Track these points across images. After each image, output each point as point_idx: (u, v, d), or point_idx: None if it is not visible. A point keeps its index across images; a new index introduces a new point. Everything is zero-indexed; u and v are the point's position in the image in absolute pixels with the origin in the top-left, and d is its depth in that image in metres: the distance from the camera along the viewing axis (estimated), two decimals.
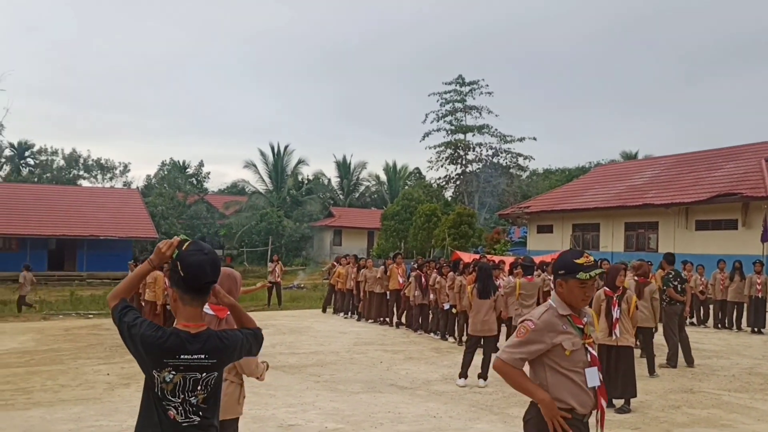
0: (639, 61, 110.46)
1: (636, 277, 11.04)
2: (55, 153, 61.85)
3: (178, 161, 59.38)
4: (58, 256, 36.03)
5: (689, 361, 11.62)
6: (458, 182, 52.69)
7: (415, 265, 16.51)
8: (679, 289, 11.86)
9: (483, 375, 9.91)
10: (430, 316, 15.50)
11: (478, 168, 51.69)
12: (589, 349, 3.63)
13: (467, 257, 19.94)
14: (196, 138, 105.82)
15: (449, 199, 50.97)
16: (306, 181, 56.45)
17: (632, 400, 8.66)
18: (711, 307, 18.03)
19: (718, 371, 11.34)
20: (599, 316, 8.83)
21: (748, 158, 29.16)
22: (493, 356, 3.85)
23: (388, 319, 17.29)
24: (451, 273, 14.28)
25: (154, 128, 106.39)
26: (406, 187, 56.31)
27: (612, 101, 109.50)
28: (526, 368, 3.66)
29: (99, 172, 63.26)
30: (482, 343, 10.17)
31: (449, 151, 51.71)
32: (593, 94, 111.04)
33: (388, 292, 17.17)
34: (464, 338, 12.34)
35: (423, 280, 15.43)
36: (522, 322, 3.63)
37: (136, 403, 8.66)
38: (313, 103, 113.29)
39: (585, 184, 37.80)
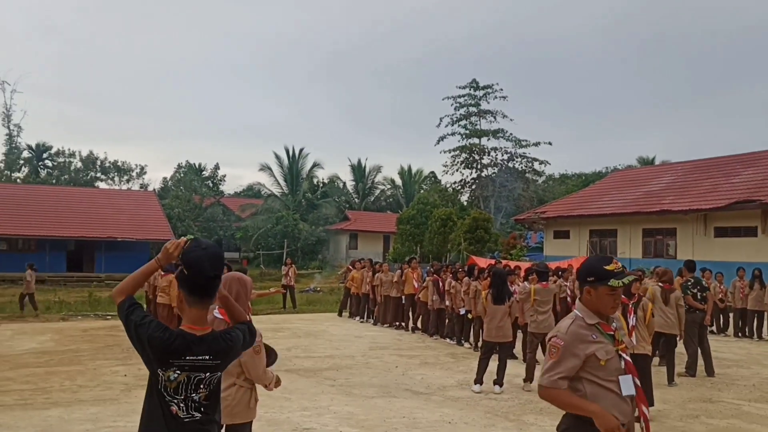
0: (658, 66, 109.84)
1: (661, 284, 10.99)
2: (72, 155, 62.38)
3: (195, 164, 59.66)
4: (76, 257, 36.33)
5: (709, 371, 11.51)
6: (474, 187, 52.55)
7: (431, 270, 16.48)
8: (699, 297, 11.76)
9: (498, 381, 9.88)
10: (446, 321, 15.47)
11: (494, 172, 51.54)
12: (623, 355, 3.52)
13: (483, 262, 19.89)
14: (212, 141, 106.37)
15: (465, 203, 50.85)
16: (321, 185, 56.53)
17: (650, 408, 8.57)
18: (731, 315, 17.86)
19: (737, 381, 11.23)
20: None
21: (767, 165, 28.90)
22: (535, 384, 3.65)
23: (403, 324, 17.28)
24: (466, 278, 14.26)
25: (170, 131, 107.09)
26: (422, 191, 56.27)
27: (629, 106, 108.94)
28: None
29: (116, 174, 63.71)
30: (497, 349, 10.15)
31: (464, 155, 51.58)
32: (611, 99, 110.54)
33: (403, 297, 17.16)
34: (480, 344, 12.30)
35: (441, 284, 15.40)
36: (550, 340, 3.51)
37: None
38: (328, 106, 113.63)
39: (602, 189, 37.59)
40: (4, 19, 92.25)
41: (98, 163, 63.01)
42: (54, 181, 56.49)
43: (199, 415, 3.10)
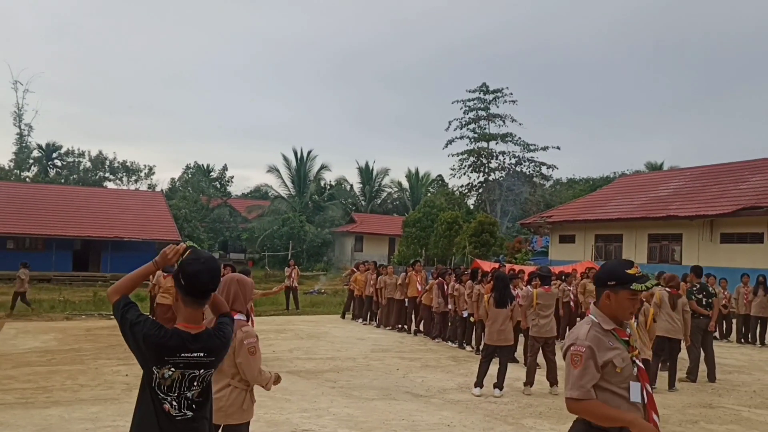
0: (667, 70, 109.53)
1: (668, 289, 11.01)
2: (81, 155, 62.69)
3: (203, 165, 59.87)
4: (83, 256, 36.46)
5: (711, 377, 11.48)
6: (481, 190, 52.60)
7: (435, 273, 16.47)
8: (704, 303, 11.72)
9: (499, 384, 9.88)
10: (449, 324, 15.47)
11: (501, 176, 51.57)
12: (636, 361, 3.46)
13: (487, 266, 19.88)
14: (220, 142, 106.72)
15: (471, 207, 50.85)
16: (328, 187, 56.60)
17: None
18: (734, 321, 17.81)
19: (739, 387, 11.19)
20: None
21: None
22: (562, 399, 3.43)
23: (406, 326, 17.29)
24: (469, 281, 14.27)
25: (179, 132, 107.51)
26: (428, 195, 56.28)
27: (638, 110, 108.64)
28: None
29: (124, 174, 64.00)
30: (498, 352, 10.15)
31: (472, 158, 51.67)
32: (620, 103, 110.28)
33: (406, 299, 17.17)
34: (481, 347, 12.30)
35: (445, 287, 15.40)
36: (569, 349, 3.41)
37: None
38: (336, 108, 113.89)
39: (608, 194, 37.50)
40: (18, 20, 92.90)
41: (107, 163, 63.31)
42: (63, 180, 56.76)
43: (191, 413, 3.16)
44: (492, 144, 51.56)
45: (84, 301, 22.28)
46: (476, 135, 51.38)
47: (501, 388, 9.87)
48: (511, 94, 51.05)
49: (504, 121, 51.07)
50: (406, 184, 62.59)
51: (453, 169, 52.74)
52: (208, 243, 46.12)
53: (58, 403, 8.68)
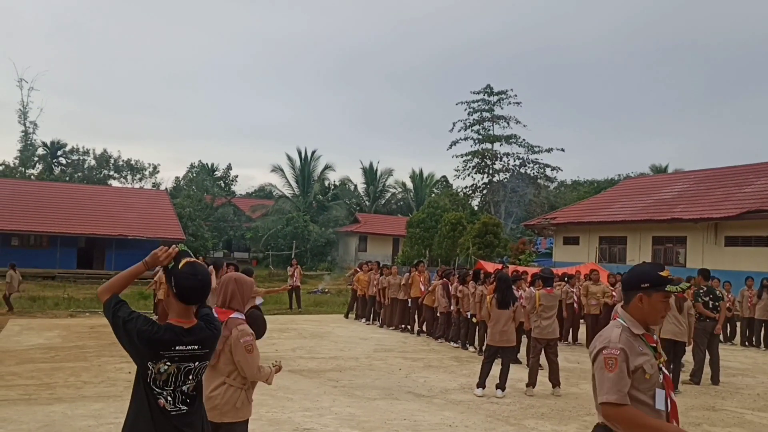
0: (672, 72, 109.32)
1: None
2: (86, 153, 62.81)
3: (207, 164, 59.97)
4: (87, 254, 36.53)
5: (715, 380, 11.46)
6: (485, 191, 52.59)
7: (439, 274, 16.44)
8: (711, 305, 11.70)
9: (501, 385, 9.88)
10: (452, 324, 15.46)
11: (505, 178, 51.55)
12: (663, 369, 3.37)
13: (491, 267, 19.87)
14: (225, 141, 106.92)
15: (475, 208, 50.84)
16: (332, 187, 56.64)
17: None
18: (738, 324, 17.77)
19: (742, 389, 11.17)
20: None
21: None
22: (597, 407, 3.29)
23: (409, 327, 17.29)
24: (472, 282, 14.27)
25: (184, 131, 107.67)
26: (433, 195, 56.28)
27: (643, 112, 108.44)
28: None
29: (129, 172, 64.11)
30: (501, 353, 10.14)
31: (476, 160, 51.66)
32: (625, 105, 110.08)
33: (409, 300, 17.18)
34: (484, 348, 12.30)
35: (450, 288, 15.38)
36: (601, 352, 3.28)
37: None
38: (341, 108, 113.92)
39: (612, 196, 37.45)
40: (23, 18, 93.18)
41: (112, 161, 63.43)
42: (67, 178, 56.86)
43: (186, 407, 3.21)
44: (496, 145, 51.56)
45: (88, 299, 22.31)
46: (480, 136, 51.37)
47: (503, 389, 9.87)
48: (516, 95, 51.07)
49: (508, 123, 51.07)
50: (410, 184, 62.64)
51: (457, 170, 52.76)
52: (212, 242, 46.19)
53: (61, 399, 8.71)
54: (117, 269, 34.06)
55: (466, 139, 51.66)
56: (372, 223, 52.72)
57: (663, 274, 3.37)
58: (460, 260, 32.66)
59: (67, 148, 61.86)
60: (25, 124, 58.16)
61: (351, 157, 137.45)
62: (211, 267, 13.07)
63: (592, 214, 34.86)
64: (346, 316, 20.25)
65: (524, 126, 51.74)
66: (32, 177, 53.48)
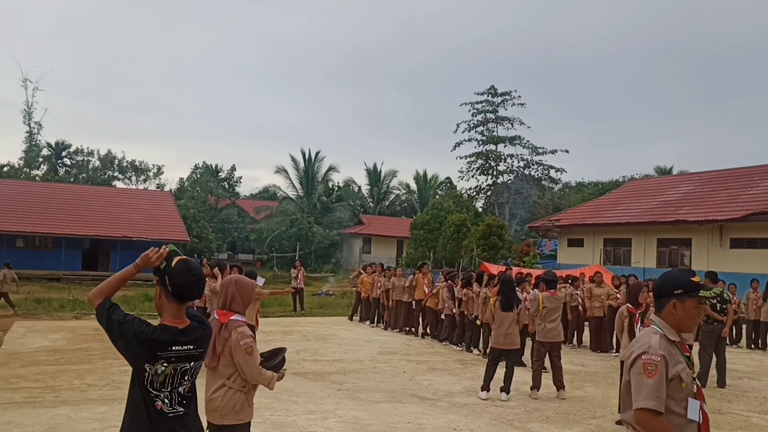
0: (678, 73, 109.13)
1: None
2: (91, 154, 62.93)
3: (211, 165, 60.01)
4: (92, 256, 36.58)
5: (721, 383, 11.42)
6: (489, 193, 52.54)
7: (444, 276, 16.39)
8: (718, 308, 11.66)
9: (505, 388, 9.86)
10: (455, 327, 15.43)
11: (510, 179, 51.49)
12: (696, 379, 3.31)
13: (495, 269, 19.85)
14: (229, 142, 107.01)
15: (480, 209, 50.78)
16: (336, 188, 56.64)
17: None
18: (743, 327, 17.72)
19: (748, 392, 11.13)
20: (622, 333, 8.76)
21: None
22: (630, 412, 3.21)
23: (413, 329, 17.27)
24: (475, 284, 14.25)
25: (188, 132, 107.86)
26: (437, 197, 56.24)
27: (648, 114, 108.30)
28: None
29: (133, 173, 64.20)
30: (505, 356, 10.11)
31: (480, 161, 51.62)
32: (629, 107, 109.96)
33: (413, 302, 17.15)
34: (488, 351, 12.27)
35: (455, 291, 15.34)
36: (640, 357, 3.20)
37: None
38: (345, 109, 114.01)
39: (617, 198, 37.39)
40: (28, 18, 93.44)
41: (116, 162, 63.54)
42: (72, 179, 56.96)
43: (182, 409, 3.23)
44: (500, 147, 51.51)
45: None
46: (484, 138, 51.33)
47: (508, 392, 9.85)
48: (520, 97, 51.03)
49: (512, 124, 51.01)
50: (414, 186, 62.59)
51: (461, 172, 52.71)
52: (216, 243, 46.22)
53: (65, 402, 8.71)
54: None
55: (470, 140, 51.65)
56: (376, 224, 52.71)
57: (695, 279, 3.34)
58: (464, 262, 32.62)
59: (72, 149, 61.97)
60: (29, 125, 58.34)
61: (355, 159, 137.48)
62: (216, 269, 13.12)
63: (596, 215, 34.81)
64: (351, 319, 20.23)
65: (528, 127, 51.70)
66: (37, 178, 53.60)
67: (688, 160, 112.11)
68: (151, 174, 64.82)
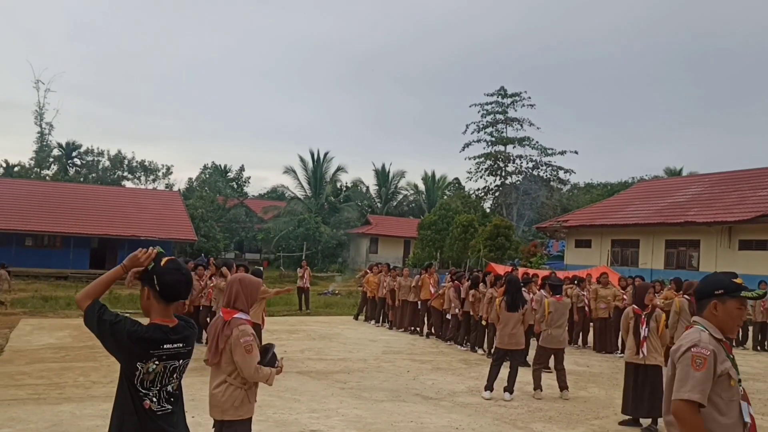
0: (690, 74, 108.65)
1: (687, 296, 10.98)
2: (101, 154, 63.22)
3: (220, 165, 60.21)
4: (100, 254, 36.73)
5: None
6: (497, 194, 52.45)
7: (451, 276, 16.35)
8: None
9: (509, 388, 9.84)
10: (459, 327, 15.40)
11: (518, 180, 51.39)
12: (741, 381, 3.30)
13: (501, 269, 19.81)
14: (238, 142, 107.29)
15: (487, 210, 50.70)
16: (344, 188, 56.69)
17: (660, 420, 8.50)
18: (750, 328, 17.63)
19: (753, 394, 11.05)
20: (627, 334, 8.72)
21: None
22: (672, 402, 3.19)
23: (418, 329, 17.26)
24: (482, 284, 14.21)
25: (198, 132, 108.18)
26: (444, 197, 56.17)
27: (658, 114, 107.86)
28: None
29: (142, 173, 64.45)
30: (509, 356, 10.09)
31: (489, 162, 51.53)
32: (639, 107, 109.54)
33: (419, 302, 17.14)
34: (492, 351, 12.25)
35: (462, 291, 15.30)
36: (689, 350, 3.18)
37: None
38: (353, 110, 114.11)
39: (625, 199, 37.26)
40: (40, 20, 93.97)
41: (125, 162, 63.80)
42: (82, 179, 57.23)
43: (170, 407, 3.26)
44: (509, 148, 51.42)
45: (101, 299, 22.43)
46: (493, 139, 51.25)
47: (511, 392, 9.83)
48: (529, 98, 50.93)
49: (521, 125, 50.91)
50: (422, 186, 62.55)
51: (470, 173, 52.63)
52: (224, 243, 46.34)
53: (69, 399, 8.75)
54: None
55: (479, 141, 51.58)
56: (383, 224, 52.72)
57: (737, 281, 3.33)
58: (471, 262, 32.58)
59: (82, 149, 62.28)
60: (41, 126, 58.70)
61: (363, 159, 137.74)
62: (224, 267, 13.17)
63: (604, 217, 34.70)
64: (356, 318, 20.24)
65: (538, 128, 51.54)
66: (47, 178, 53.88)
67: (697, 161, 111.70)
68: (160, 174, 65.09)
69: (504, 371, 9.96)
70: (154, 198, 43.03)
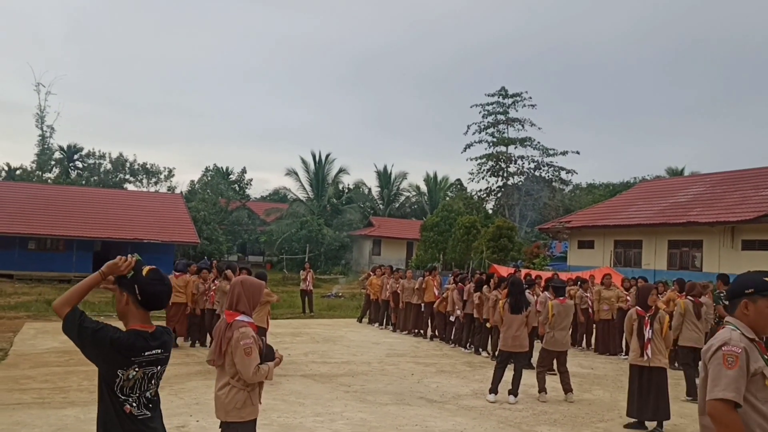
0: (689, 74, 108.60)
1: (691, 298, 10.98)
2: (102, 157, 63.17)
3: (222, 167, 60.22)
4: (102, 258, 36.62)
5: None
6: (499, 195, 52.39)
7: (454, 279, 16.33)
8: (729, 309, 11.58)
9: (513, 391, 9.83)
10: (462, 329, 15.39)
11: (520, 181, 51.32)
12: None
13: (504, 271, 19.79)
14: (240, 144, 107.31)
15: (490, 211, 50.63)
16: (346, 190, 56.66)
17: (665, 422, 8.50)
18: None
19: None
20: (631, 336, 8.71)
21: None
22: (706, 402, 3.13)
23: (422, 331, 17.25)
24: (486, 287, 14.19)
25: (200, 134, 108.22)
26: (447, 199, 56.14)
27: (659, 114, 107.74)
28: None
29: (144, 176, 64.42)
30: (513, 358, 10.08)
31: (491, 163, 51.46)
32: (641, 107, 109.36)
33: (423, 304, 17.12)
34: (497, 353, 12.23)
35: (465, 293, 15.29)
36: (720, 349, 3.14)
37: (168, 405, 8.76)
38: (355, 111, 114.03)
39: (628, 199, 37.20)
40: (40, 22, 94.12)
41: (127, 165, 63.81)
42: (84, 182, 57.26)
43: (149, 412, 3.29)
44: (511, 148, 51.36)
45: (103, 302, 22.47)
46: (495, 139, 51.19)
47: (516, 395, 9.82)
48: (531, 98, 50.80)
49: (523, 125, 50.81)
50: (424, 187, 62.51)
51: (471, 174, 52.55)
52: (226, 245, 46.33)
53: (74, 403, 8.76)
54: None
55: (480, 141, 51.49)
56: (386, 226, 52.70)
57: None
58: (474, 264, 32.55)
59: (84, 152, 62.30)
60: (42, 128, 58.70)
61: (365, 161, 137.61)
62: (228, 270, 13.18)
63: (607, 217, 34.65)
64: (360, 321, 20.23)
65: (539, 129, 51.45)
66: (49, 181, 53.91)
67: (700, 161, 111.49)
68: (162, 176, 65.06)
69: (508, 374, 9.95)
70: (156, 201, 43.02)
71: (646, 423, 8.52)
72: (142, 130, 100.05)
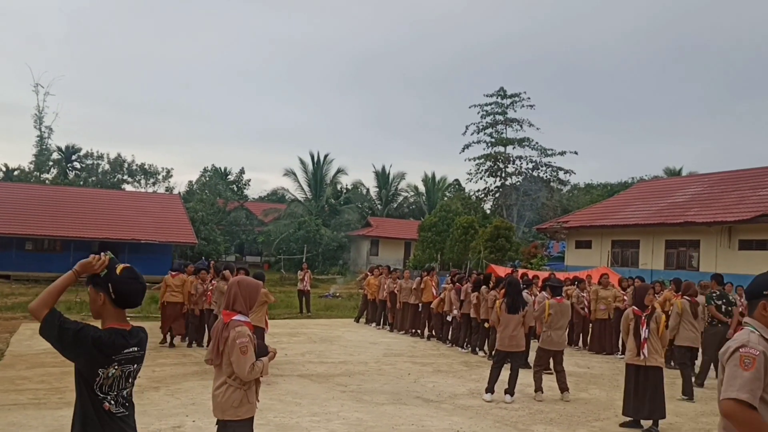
0: (686, 76, 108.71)
1: (687, 297, 11.01)
2: (100, 157, 63.11)
3: (220, 168, 60.26)
4: None
5: (698, 382, 11.36)
6: (497, 195, 52.40)
7: (452, 279, 16.33)
8: (723, 309, 11.60)
9: (510, 390, 9.83)
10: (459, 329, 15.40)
11: (518, 181, 51.34)
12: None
13: (502, 271, 19.80)
14: (238, 145, 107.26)
15: (488, 211, 50.65)
16: (344, 191, 56.68)
17: (661, 421, 8.50)
18: None
19: None
20: (627, 336, 8.72)
21: None
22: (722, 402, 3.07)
23: (419, 331, 17.25)
24: (484, 287, 14.19)
25: (198, 134, 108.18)
26: (445, 199, 56.15)
27: (657, 115, 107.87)
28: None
29: (142, 176, 64.35)
30: (510, 358, 10.09)
31: (489, 163, 51.47)
32: (639, 108, 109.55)
33: (420, 304, 17.13)
34: (493, 353, 12.24)
35: (462, 293, 15.28)
36: (737, 351, 3.10)
37: (164, 406, 8.78)
38: (354, 111, 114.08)
39: (625, 199, 37.24)
40: (39, 24, 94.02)
41: (125, 165, 63.74)
42: (82, 182, 57.21)
43: (125, 410, 3.31)
44: (509, 149, 51.38)
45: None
46: (493, 140, 51.20)
47: (512, 394, 9.83)
48: (529, 98, 50.80)
49: (521, 126, 50.82)
50: (422, 188, 62.51)
51: (470, 174, 52.52)
52: (224, 246, 46.33)
53: (70, 404, 8.62)
54: None
55: (478, 142, 51.50)
56: (384, 226, 52.71)
57: None
58: (472, 264, 32.57)
59: (82, 153, 62.26)
60: (40, 129, 58.64)
61: (363, 161, 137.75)
62: (226, 271, 13.17)
63: (604, 217, 34.67)
64: (357, 321, 20.23)
65: (537, 129, 51.47)
66: (47, 181, 53.87)
67: (697, 161, 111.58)
68: (160, 177, 64.99)
69: (505, 373, 9.96)
70: (154, 201, 42.99)
71: (642, 422, 8.53)
72: (140, 131, 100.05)
